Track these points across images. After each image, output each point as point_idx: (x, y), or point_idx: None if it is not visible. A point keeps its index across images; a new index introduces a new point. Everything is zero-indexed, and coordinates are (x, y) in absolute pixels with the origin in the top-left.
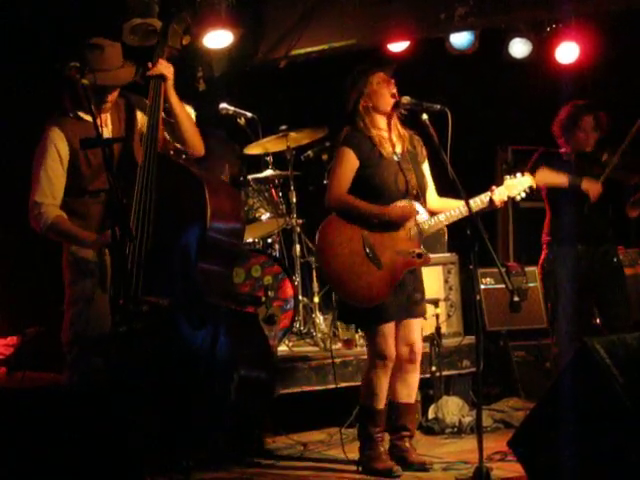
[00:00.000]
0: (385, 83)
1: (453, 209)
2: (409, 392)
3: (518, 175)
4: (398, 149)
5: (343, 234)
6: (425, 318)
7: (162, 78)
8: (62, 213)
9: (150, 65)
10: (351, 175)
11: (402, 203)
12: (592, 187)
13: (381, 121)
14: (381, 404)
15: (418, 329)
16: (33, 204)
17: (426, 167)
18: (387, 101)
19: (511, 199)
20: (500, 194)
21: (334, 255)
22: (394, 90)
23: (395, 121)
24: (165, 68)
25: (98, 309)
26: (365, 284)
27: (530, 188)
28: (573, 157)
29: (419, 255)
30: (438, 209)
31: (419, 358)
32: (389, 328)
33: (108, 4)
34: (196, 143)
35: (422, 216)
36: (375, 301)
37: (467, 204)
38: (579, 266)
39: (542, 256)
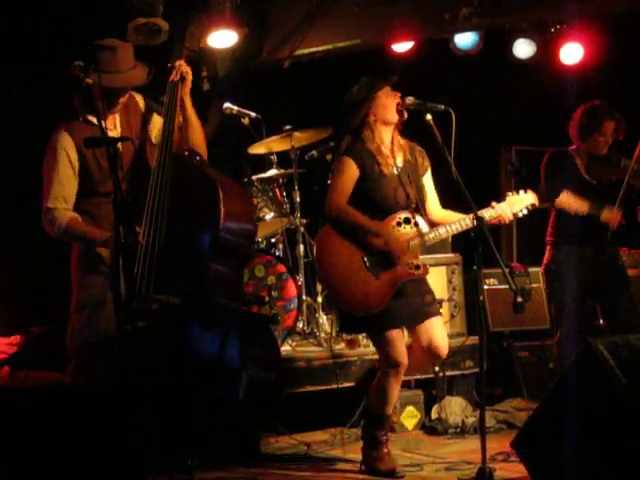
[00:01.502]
0: (392, 95)
1: (454, 222)
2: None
3: (521, 192)
4: (399, 161)
5: (342, 242)
6: None
7: (181, 77)
8: (75, 215)
9: (169, 66)
10: (352, 185)
11: (402, 217)
12: (611, 217)
13: (384, 132)
14: (390, 410)
15: (440, 326)
16: (46, 210)
17: (428, 178)
18: (393, 113)
19: (514, 215)
20: (502, 211)
21: (332, 263)
22: (399, 101)
23: (395, 132)
24: (185, 69)
25: (108, 313)
26: (361, 292)
27: (532, 205)
28: (586, 157)
29: (417, 267)
30: (439, 221)
31: (445, 352)
32: (397, 334)
33: (109, 3)
34: (201, 149)
35: (422, 228)
36: (371, 310)
37: (476, 216)
38: (585, 267)
39: (546, 256)
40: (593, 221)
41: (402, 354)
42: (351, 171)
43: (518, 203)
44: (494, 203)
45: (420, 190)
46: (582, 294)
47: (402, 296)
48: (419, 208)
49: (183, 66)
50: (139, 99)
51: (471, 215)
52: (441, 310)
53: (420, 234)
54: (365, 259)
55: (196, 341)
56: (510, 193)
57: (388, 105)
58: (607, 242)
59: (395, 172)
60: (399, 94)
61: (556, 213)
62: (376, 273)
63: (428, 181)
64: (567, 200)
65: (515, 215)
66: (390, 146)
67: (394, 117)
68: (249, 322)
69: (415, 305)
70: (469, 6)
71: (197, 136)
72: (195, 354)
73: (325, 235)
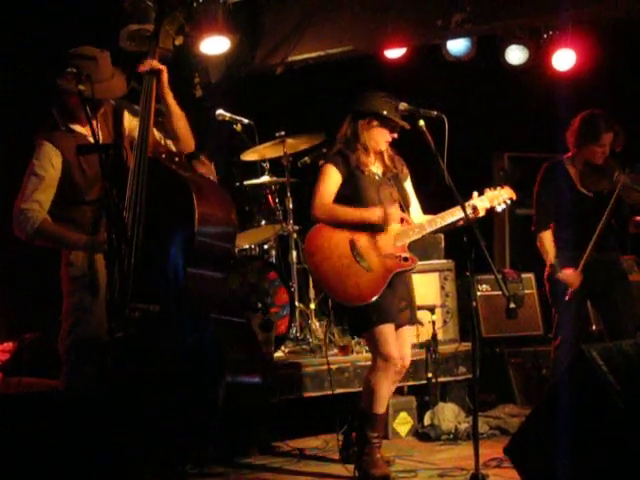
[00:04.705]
0: (386, 134)
1: (438, 216)
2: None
3: (498, 188)
4: (379, 167)
5: (331, 239)
6: (422, 324)
7: (155, 73)
8: (49, 218)
9: (140, 66)
10: (334, 189)
11: (388, 209)
12: (568, 278)
13: (371, 153)
14: (381, 409)
15: (408, 339)
16: (18, 212)
17: (408, 184)
18: (382, 144)
19: (491, 209)
20: (482, 202)
21: (323, 259)
22: (389, 139)
23: (387, 148)
24: (156, 65)
25: (95, 317)
26: (354, 284)
27: (510, 199)
28: (581, 166)
29: (405, 259)
30: None
31: (407, 363)
32: (389, 329)
33: (107, 10)
34: (188, 139)
35: (408, 223)
36: (364, 299)
37: (463, 208)
38: (587, 273)
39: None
40: (591, 226)
41: (394, 348)
42: (333, 177)
43: (496, 198)
44: (475, 193)
45: (403, 194)
46: (583, 300)
47: (391, 294)
48: (403, 208)
49: (154, 64)
50: (114, 102)
51: (453, 209)
52: (434, 316)
53: (405, 228)
54: (355, 253)
55: (177, 347)
56: (488, 189)
57: (377, 140)
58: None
59: (377, 178)
60: (395, 134)
61: (554, 223)
62: (367, 266)
63: (409, 187)
64: (544, 242)
65: (493, 209)
66: (373, 155)
67: (381, 146)
68: (230, 327)
69: (394, 306)
70: (462, 12)
71: (181, 129)
72: (176, 360)
73: (314, 234)
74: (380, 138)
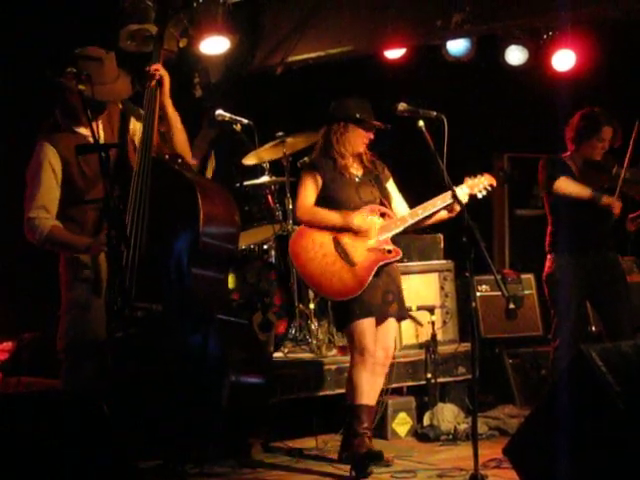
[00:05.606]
0: (363, 135)
1: (415, 209)
2: (374, 394)
3: (478, 176)
4: (359, 169)
5: (315, 240)
6: (421, 324)
7: (158, 82)
8: (57, 223)
9: (147, 69)
10: (314, 192)
11: (367, 214)
12: (612, 201)
13: (348, 156)
14: (364, 400)
15: (392, 331)
16: (28, 219)
17: (390, 184)
18: (359, 146)
19: (473, 196)
20: (461, 190)
21: (308, 259)
22: (366, 141)
23: (365, 150)
24: (161, 72)
25: (94, 315)
26: (339, 280)
27: (490, 186)
28: (580, 163)
29: (389, 251)
30: None
31: (388, 355)
32: (367, 323)
33: (107, 10)
34: (185, 151)
35: (389, 217)
36: (351, 293)
37: (453, 192)
38: (586, 274)
39: (547, 264)
40: (590, 227)
41: (371, 343)
42: (313, 182)
43: (476, 185)
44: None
45: (385, 193)
46: (582, 301)
47: (375, 288)
48: (384, 204)
49: (159, 70)
50: (119, 104)
51: (434, 199)
52: (433, 317)
53: (388, 222)
54: (339, 250)
55: (179, 347)
56: (467, 178)
57: (354, 141)
58: (610, 225)
59: (357, 178)
60: (371, 134)
61: (554, 222)
62: (350, 261)
63: (392, 187)
64: (566, 184)
65: (474, 196)
66: (352, 158)
67: (359, 148)
68: (232, 327)
69: (376, 300)
70: (461, 13)
71: (179, 137)
72: (179, 360)
73: (298, 236)
74: (357, 140)
